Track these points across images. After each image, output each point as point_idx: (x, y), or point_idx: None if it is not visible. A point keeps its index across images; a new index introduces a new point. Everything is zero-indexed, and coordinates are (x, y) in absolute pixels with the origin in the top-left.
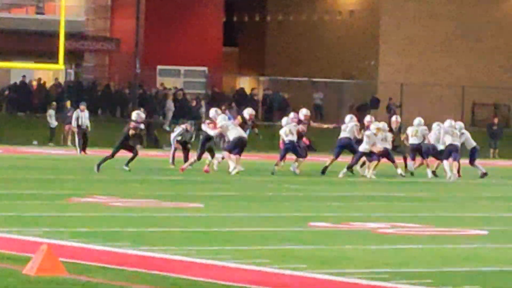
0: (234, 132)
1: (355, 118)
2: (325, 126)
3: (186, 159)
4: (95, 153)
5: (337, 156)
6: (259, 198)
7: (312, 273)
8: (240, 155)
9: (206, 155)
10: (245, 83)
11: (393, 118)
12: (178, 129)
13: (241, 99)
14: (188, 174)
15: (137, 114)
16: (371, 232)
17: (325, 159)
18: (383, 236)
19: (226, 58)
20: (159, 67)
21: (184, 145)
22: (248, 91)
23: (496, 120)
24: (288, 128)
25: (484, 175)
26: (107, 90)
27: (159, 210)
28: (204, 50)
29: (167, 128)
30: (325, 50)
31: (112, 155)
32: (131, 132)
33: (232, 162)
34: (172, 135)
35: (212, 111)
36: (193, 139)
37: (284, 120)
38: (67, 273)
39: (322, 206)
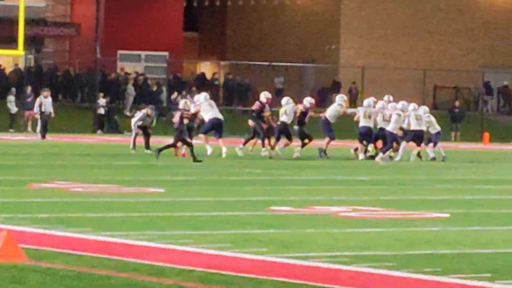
0: (210, 113)
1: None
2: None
3: (147, 144)
4: (56, 138)
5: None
6: (221, 183)
7: (273, 257)
8: (219, 138)
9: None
10: (206, 68)
11: (385, 98)
12: (139, 114)
13: (202, 84)
14: (149, 159)
15: (185, 102)
16: (333, 215)
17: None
18: (345, 220)
19: (186, 43)
20: (119, 52)
21: (145, 130)
22: (209, 76)
23: (457, 103)
24: (284, 108)
25: (444, 158)
26: (67, 76)
27: (120, 195)
28: (165, 35)
29: (128, 113)
30: (286, 34)
31: (171, 146)
32: (186, 121)
33: (209, 147)
34: (133, 120)
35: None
36: (153, 124)
37: (284, 100)
38: (28, 259)
39: (284, 190)
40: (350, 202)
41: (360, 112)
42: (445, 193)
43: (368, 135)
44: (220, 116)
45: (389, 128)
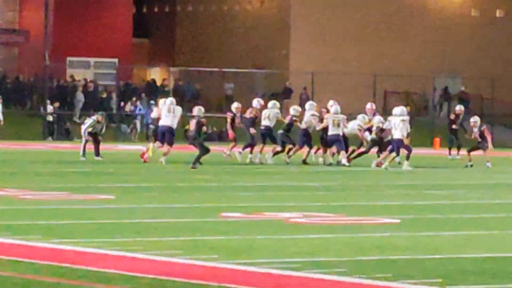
0: (162, 120)
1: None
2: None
3: (97, 151)
4: (5, 146)
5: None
6: (171, 189)
7: (223, 264)
8: (170, 146)
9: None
10: (156, 74)
11: (368, 106)
12: (89, 121)
13: (152, 90)
14: (100, 165)
15: (199, 110)
16: (283, 221)
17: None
18: (295, 226)
19: (136, 49)
20: (68, 59)
21: (95, 137)
22: (159, 82)
23: (408, 108)
24: (268, 113)
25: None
26: (17, 83)
27: (70, 203)
28: (114, 41)
29: (77, 120)
30: (236, 40)
31: (204, 152)
32: (204, 128)
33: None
34: (83, 127)
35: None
36: (103, 131)
37: (271, 103)
38: None
39: (234, 196)
40: (300, 208)
41: (329, 120)
42: (395, 199)
43: (338, 142)
44: (169, 124)
45: (396, 135)
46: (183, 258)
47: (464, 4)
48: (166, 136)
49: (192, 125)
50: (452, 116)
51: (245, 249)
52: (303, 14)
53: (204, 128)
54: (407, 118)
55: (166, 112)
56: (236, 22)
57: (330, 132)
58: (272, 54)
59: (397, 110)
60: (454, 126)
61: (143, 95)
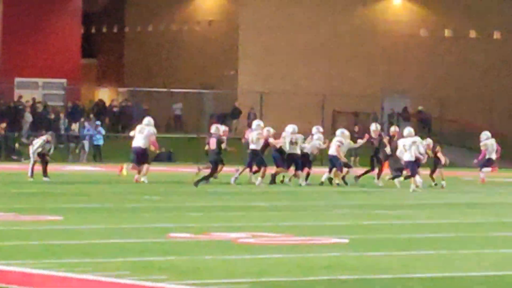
0: (134, 141)
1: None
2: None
3: (44, 171)
4: None
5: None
6: (119, 210)
7: (172, 284)
8: (138, 165)
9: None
10: (104, 94)
11: (373, 127)
12: (39, 141)
13: (100, 111)
14: (48, 186)
15: (217, 128)
16: (232, 242)
17: (184, 169)
18: (244, 246)
19: (84, 70)
20: (17, 79)
21: (43, 157)
22: (107, 102)
23: (356, 128)
24: (252, 136)
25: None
26: None
27: (17, 224)
28: (63, 62)
29: (25, 141)
30: (185, 60)
31: (213, 172)
32: (223, 146)
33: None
34: (32, 148)
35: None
36: (51, 151)
37: (254, 124)
38: None
39: (183, 217)
40: (249, 228)
41: (286, 139)
42: (344, 219)
43: (296, 162)
44: (139, 144)
45: (407, 157)
46: (131, 279)
47: (412, 24)
48: (138, 156)
49: (212, 143)
50: (386, 139)
51: (194, 269)
52: (251, 34)
53: (224, 145)
54: (418, 139)
55: (137, 132)
56: (184, 42)
57: (289, 151)
58: (220, 74)
59: (406, 131)
60: (387, 149)
61: (91, 115)
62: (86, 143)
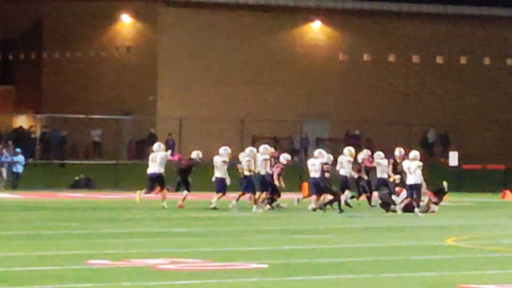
0: (149, 168)
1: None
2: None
3: None
4: None
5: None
6: (37, 237)
7: None
8: (150, 191)
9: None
10: (23, 121)
11: (397, 153)
12: None
13: (19, 138)
14: None
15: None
16: (151, 268)
17: (103, 196)
18: (163, 272)
19: (2, 96)
20: None
21: None
22: (26, 129)
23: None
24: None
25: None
26: None
27: None
28: None
29: None
30: (103, 86)
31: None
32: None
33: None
34: None
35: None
36: None
37: (247, 151)
38: None
39: (101, 244)
40: (168, 254)
41: (244, 165)
42: (264, 244)
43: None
44: (155, 170)
45: (411, 181)
46: None
47: (331, 49)
48: (153, 182)
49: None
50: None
51: None
52: (170, 59)
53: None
54: (421, 163)
55: (150, 161)
56: (103, 68)
57: (246, 174)
58: (139, 100)
59: (412, 154)
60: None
61: (9, 142)
62: (4, 170)
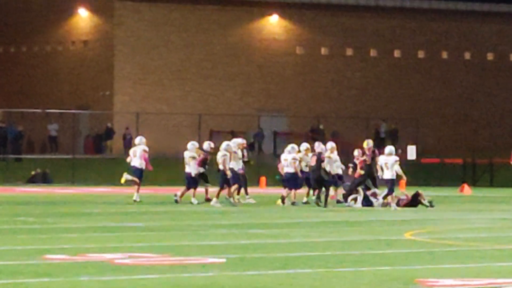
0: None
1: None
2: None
3: None
4: None
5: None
6: None
7: None
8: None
9: None
10: None
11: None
12: None
13: None
14: None
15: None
16: (108, 262)
17: (60, 190)
18: (120, 267)
19: None
20: None
21: None
22: None
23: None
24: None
25: None
26: None
27: None
28: None
29: None
30: (60, 80)
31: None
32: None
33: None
34: None
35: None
36: None
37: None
38: None
39: (58, 238)
40: (125, 248)
41: (219, 158)
42: (220, 238)
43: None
44: (136, 164)
45: (388, 175)
46: None
47: (288, 43)
48: (135, 175)
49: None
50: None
51: None
52: (126, 54)
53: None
54: (398, 158)
55: (132, 155)
56: (59, 62)
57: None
58: (96, 94)
59: (388, 149)
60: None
61: None
62: None
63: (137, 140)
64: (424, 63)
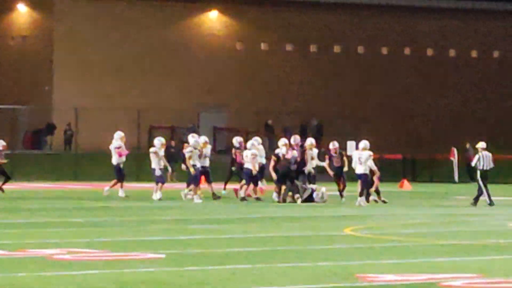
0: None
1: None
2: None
3: None
4: None
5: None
6: None
7: None
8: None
9: None
10: None
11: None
12: None
13: None
14: None
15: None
16: (47, 258)
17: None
18: (60, 262)
19: None
20: None
21: None
22: None
23: (173, 143)
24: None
25: None
26: None
27: None
28: None
29: None
30: None
31: None
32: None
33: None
34: None
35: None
36: None
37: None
38: None
39: None
40: (64, 244)
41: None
42: (160, 234)
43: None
44: (112, 161)
45: (361, 170)
46: None
47: (228, 38)
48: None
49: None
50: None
51: (9, 286)
52: (66, 49)
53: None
54: (371, 153)
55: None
56: None
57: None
58: (35, 89)
59: (362, 144)
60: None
61: None
62: None
63: (115, 135)
64: (364, 59)
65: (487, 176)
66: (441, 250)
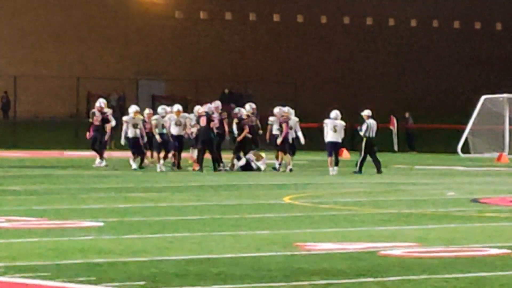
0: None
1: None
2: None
3: None
4: None
5: None
6: None
7: None
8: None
9: None
10: None
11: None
12: None
13: None
14: None
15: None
16: None
17: None
18: None
19: None
20: None
21: None
22: None
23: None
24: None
25: None
26: None
27: None
28: None
29: None
30: None
31: None
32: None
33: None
34: None
35: None
36: None
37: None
38: None
39: None
40: (2, 212)
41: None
42: (99, 202)
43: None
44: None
45: (334, 138)
46: None
47: (167, 6)
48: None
49: None
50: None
51: None
52: (4, 16)
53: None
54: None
55: None
56: None
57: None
58: None
59: (333, 114)
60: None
61: None
62: None
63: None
64: (303, 28)
65: (373, 144)
66: (380, 219)
